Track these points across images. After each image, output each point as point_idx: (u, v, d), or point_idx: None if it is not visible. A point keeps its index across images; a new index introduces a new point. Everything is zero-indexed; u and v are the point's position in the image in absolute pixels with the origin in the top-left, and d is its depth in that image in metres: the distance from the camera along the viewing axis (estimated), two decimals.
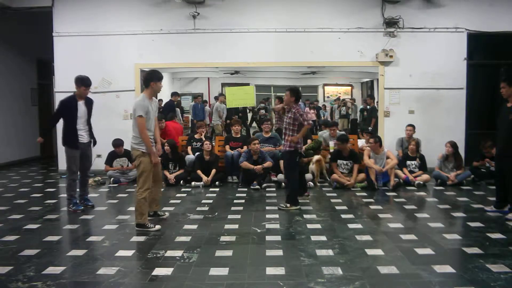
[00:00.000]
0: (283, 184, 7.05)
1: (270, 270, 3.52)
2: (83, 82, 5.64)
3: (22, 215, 5.41)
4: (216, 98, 12.16)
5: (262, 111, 13.13)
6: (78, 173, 5.75)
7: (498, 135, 5.33)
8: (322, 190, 6.94)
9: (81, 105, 5.65)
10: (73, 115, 5.57)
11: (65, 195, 5.83)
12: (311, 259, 3.79)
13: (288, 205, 5.65)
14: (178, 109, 11.19)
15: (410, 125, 7.84)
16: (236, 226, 4.85)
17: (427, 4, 8.34)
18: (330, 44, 8.43)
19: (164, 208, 5.72)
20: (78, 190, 5.86)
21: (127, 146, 7.81)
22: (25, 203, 6.15)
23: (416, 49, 8.39)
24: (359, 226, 4.84)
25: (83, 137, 5.68)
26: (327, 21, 8.45)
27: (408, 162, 7.35)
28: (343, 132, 8.62)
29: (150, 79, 4.76)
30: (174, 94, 11.15)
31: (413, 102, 8.46)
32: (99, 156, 7.83)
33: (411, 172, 7.23)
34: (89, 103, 5.76)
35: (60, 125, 5.80)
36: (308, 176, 7.08)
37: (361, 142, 8.24)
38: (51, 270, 3.58)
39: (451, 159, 7.27)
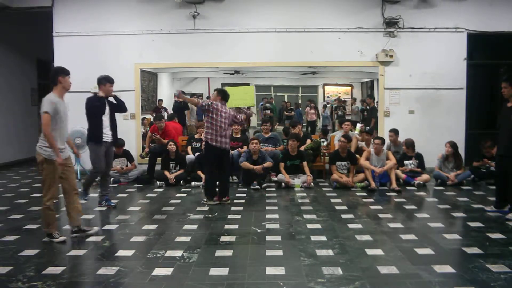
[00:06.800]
0: (283, 184, 7.07)
1: (270, 270, 3.52)
2: (108, 79, 5.69)
3: (22, 215, 5.42)
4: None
5: (267, 111, 13.09)
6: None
7: (499, 135, 5.32)
8: (322, 190, 6.94)
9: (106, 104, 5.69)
10: (101, 112, 5.59)
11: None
12: (311, 259, 3.79)
13: (205, 199, 6.00)
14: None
15: (392, 130, 7.75)
16: (236, 226, 4.85)
17: (427, 4, 8.34)
18: (330, 44, 8.43)
19: (164, 208, 5.73)
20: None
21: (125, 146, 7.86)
22: (25, 203, 6.15)
23: (416, 49, 8.39)
24: (359, 226, 4.84)
25: (108, 135, 5.68)
26: (327, 21, 8.45)
27: (406, 162, 7.36)
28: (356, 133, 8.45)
29: (56, 73, 4.38)
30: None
31: (413, 102, 8.47)
32: None
33: (410, 171, 7.24)
34: (110, 103, 5.76)
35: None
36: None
37: (361, 142, 8.22)
38: (51, 270, 3.58)
39: (451, 159, 7.28)
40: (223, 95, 6.05)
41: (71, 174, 4.53)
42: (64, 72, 4.44)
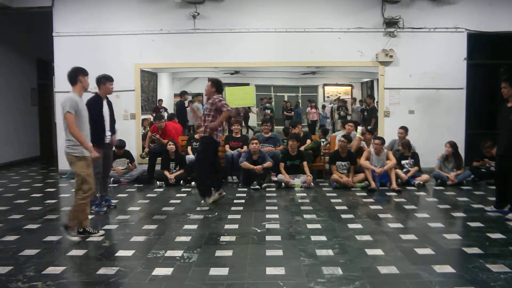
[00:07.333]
0: (283, 184, 7.06)
1: (270, 270, 3.52)
2: (108, 78, 5.57)
3: (22, 215, 5.41)
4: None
5: (268, 111, 13.08)
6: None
7: (499, 135, 5.31)
8: (322, 190, 6.94)
9: (104, 105, 5.54)
10: (100, 113, 5.44)
11: (68, 195, 5.82)
12: (311, 259, 3.79)
13: (203, 201, 5.71)
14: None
15: (402, 127, 7.80)
16: (236, 226, 4.85)
17: (427, 4, 8.34)
18: (330, 44, 8.43)
19: (164, 208, 5.74)
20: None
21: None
22: (25, 203, 6.15)
23: (416, 49, 8.39)
24: (359, 226, 4.84)
25: (107, 137, 5.57)
26: (327, 21, 8.44)
27: (403, 162, 7.39)
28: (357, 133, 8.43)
29: (77, 73, 4.51)
30: (183, 93, 10.79)
31: (413, 102, 8.46)
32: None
33: (407, 171, 7.26)
34: (110, 103, 5.64)
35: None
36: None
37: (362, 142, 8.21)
38: (51, 270, 3.58)
39: (451, 159, 7.28)
40: (217, 87, 5.80)
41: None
42: (84, 72, 4.61)
